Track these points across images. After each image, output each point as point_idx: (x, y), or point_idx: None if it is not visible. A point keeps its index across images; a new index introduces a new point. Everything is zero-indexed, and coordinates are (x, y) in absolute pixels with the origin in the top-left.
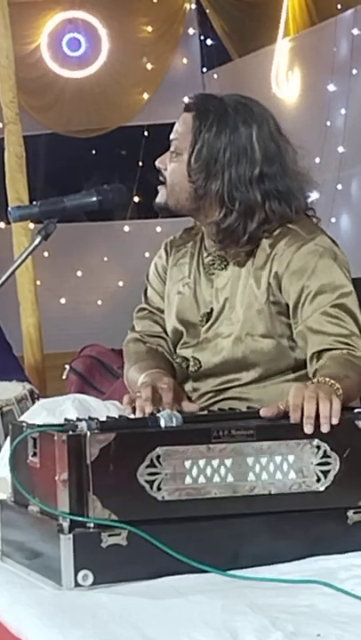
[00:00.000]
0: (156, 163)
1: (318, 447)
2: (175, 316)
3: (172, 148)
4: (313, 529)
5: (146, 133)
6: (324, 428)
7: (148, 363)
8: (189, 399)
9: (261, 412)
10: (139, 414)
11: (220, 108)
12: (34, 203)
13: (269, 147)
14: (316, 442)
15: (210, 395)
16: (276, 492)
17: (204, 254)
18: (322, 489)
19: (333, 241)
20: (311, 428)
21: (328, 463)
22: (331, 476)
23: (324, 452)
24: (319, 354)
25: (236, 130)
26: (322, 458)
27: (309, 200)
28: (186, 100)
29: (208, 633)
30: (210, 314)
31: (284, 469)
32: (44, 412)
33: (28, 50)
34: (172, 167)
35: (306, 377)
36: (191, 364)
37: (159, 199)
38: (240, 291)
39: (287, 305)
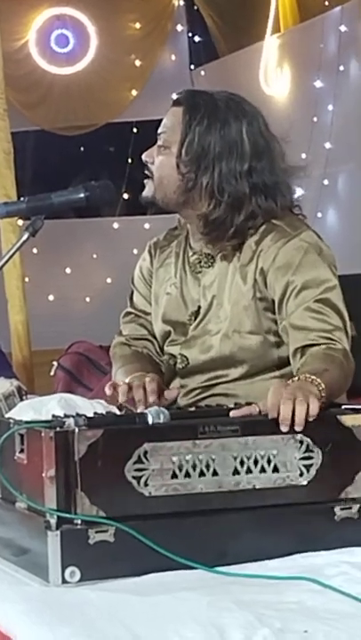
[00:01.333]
0: (143, 156)
1: (301, 442)
2: (162, 316)
3: (159, 142)
4: (300, 525)
5: (134, 130)
6: (298, 428)
7: (134, 366)
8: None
9: (231, 414)
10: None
11: (210, 102)
12: (21, 199)
13: (258, 142)
14: (299, 437)
15: (197, 391)
16: (261, 487)
17: (190, 253)
18: (304, 483)
19: (319, 236)
20: (286, 428)
21: (311, 457)
22: (313, 471)
23: (307, 446)
24: (302, 350)
25: (227, 124)
26: (305, 452)
27: (295, 196)
28: (174, 95)
29: (195, 629)
30: (197, 312)
31: (269, 464)
32: (30, 411)
33: (16, 46)
34: (161, 160)
35: (292, 373)
36: (178, 360)
37: (146, 193)
38: (227, 288)
39: (273, 301)
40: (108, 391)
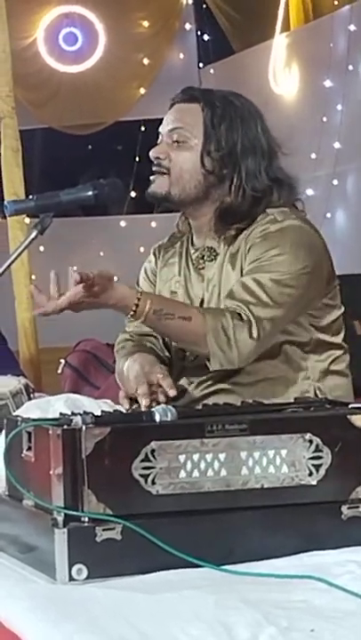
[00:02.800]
0: (152, 153)
1: (311, 441)
2: None
3: (174, 137)
4: (307, 524)
5: (142, 128)
6: None
7: (141, 355)
8: (184, 391)
9: None
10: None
11: (225, 100)
12: (30, 197)
13: (270, 138)
14: (308, 436)
15: (206, 384)
16: (269, 486)
17: (192, 251)
18: (314, 483)
19: (311, 224)
20: None
21: (320, 457)
22: (323, 470)
23: (317, 446)
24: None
25: (245, 121)
26: (314, 452)
27: (304, 194)
28: (182, 92)
29: (201, 627)
30: (201, 305)
31: (277, 463)
32: (37, 411)
33: (25, 44)
34: (183, 156)
35: (297, 369)
36: (188, 354)
37: (158, 189)
38: (223, 277)
39: None
40: (125, 405)
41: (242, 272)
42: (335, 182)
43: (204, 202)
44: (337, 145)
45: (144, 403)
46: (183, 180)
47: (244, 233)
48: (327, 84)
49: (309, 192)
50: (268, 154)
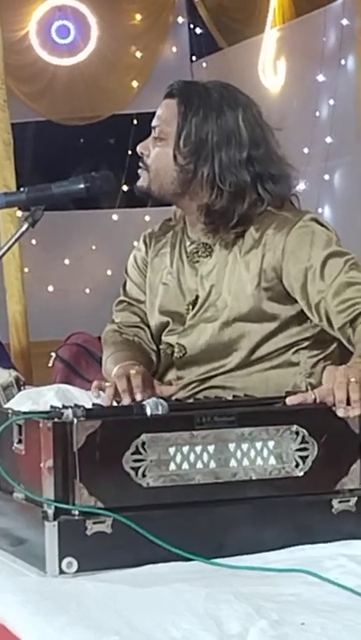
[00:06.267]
0: (138, 148)
1: (297, 433)
2: (160, 307)
3: (154, 134)
4: (298, 518)
5: (135, 122)
6: (355, 411)
7: (124, 354)
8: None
9: (287, 401)
10: (109, 403)
11: (203, 92)
12: (21, 189)
13: (255, 130)
14: (295, 427)
15: (194, 384)
16: (257, 478)
17: (187, 243)
18: (300, 474)
19: (317, 217)
20: (344, 412)
21: (306, 449)
22: (309, 462)
23: (303, 437)
24: (351, 323)
25: (223, 113)
26: (300, 443)
27: (297, 188)
28: (168, 87)
29: (192, 621)
30: (195, 301)
31: (265, 455)
32: (28, 402)
33: (18, 37)
34: (157, 152)
35: (288, 364)
36: (176, 350)
37: (141, 183)
38: (227, 277)
39: (285, 290)
40: (94, 393)
41: (261, 276)
42: (326, 177)
43: (183, 198)
44: (329, 139)
45: (125, 401)
46: (160, 177)
47: (252, 232)
48: (320, 78)
49: (301, 186)
50: (251, 145)
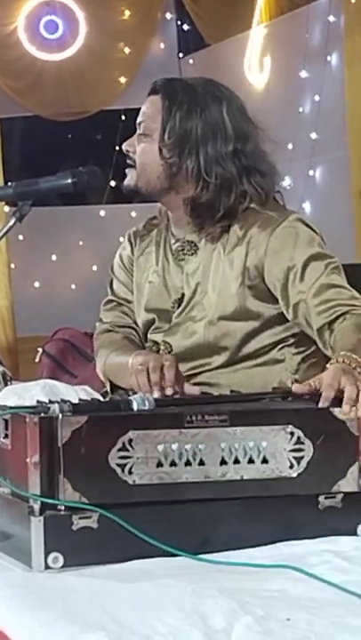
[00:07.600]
0: (124, 146)
1: (292, 433)
2: (146, 304)
3: (140, 131)
4: (285, 514)
5: (123, 117)
6: (359, 412)
7: (130, 347)
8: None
9: (294, 388)
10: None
11: (187, 87)
12: (8, 184)
13: (241, 124)
14: (290, 428)
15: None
16: (249, 478)
17: (172, 241)
18: (294, 475)
19: (303, 218)
20: (348, 408)
21: (301, 450)
22: (304, 463)
23: (298, 438)
24: (329, 325)
25: (207, 107)
26: (295, 444)
27: (282, 184)
28: (152, 84)
29: (178, 616)
30: (181, 299)
31: (257, 455)
32: (14, 397)
33: (6, 31)
34: (142, 148)
35: (274, 361)
36: (162, 348)
37: (128, 181)
38: (212, 275)
39: (268, 288)
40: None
41: (245, 274)
42: (311, 173)
43: (170, 193)
44: (313, 135)
45: (155, 395)
46: (146, 173)
47: (235, 230)
48: (305, 74)
49: (285, 182)
50: (236, 139)
